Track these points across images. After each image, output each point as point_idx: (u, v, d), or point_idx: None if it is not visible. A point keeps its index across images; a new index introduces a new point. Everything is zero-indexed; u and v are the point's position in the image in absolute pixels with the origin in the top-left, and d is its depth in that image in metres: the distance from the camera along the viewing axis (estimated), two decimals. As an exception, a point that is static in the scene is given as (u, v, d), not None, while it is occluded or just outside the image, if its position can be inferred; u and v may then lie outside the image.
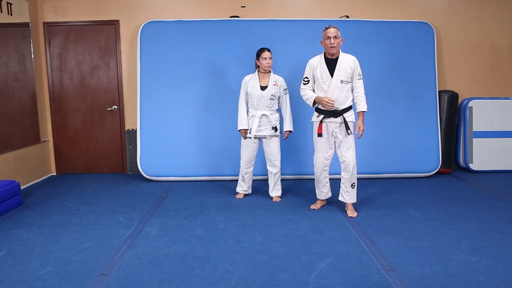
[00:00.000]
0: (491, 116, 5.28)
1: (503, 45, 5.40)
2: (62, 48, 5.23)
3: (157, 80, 4.96)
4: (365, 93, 3.58)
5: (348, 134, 3.54)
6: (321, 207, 3.89)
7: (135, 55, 5.16)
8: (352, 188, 3.65)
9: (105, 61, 5.26)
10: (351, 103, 3.58)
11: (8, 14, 4.49)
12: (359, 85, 3.52)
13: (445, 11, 5.30)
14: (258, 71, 3.96)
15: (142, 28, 4.99)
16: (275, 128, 3.93)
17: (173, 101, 4.97)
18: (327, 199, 3.94)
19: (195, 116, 4.97)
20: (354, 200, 3.69)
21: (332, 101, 3.47)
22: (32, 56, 4.95)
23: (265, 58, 3.83)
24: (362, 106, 3.52)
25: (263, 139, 4.01)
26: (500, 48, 5.40)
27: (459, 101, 5.38)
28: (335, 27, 3.48)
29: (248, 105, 4.03)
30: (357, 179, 3.72)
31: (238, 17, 5.12)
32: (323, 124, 3.59)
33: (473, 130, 5.28)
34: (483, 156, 5.28)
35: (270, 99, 3.89)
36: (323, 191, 3.84)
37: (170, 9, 5.18)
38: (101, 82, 5.30)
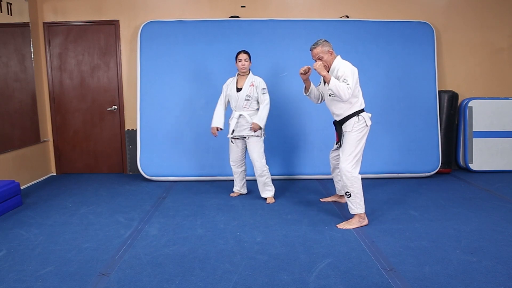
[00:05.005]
0: (491, 116, 5.27)
1: (503, 45, 5.40)
2: (62, 48, 5.23)
3: (157, 80, 4.96)
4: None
5: (339, 146, 3.45)
6: (334, 201, 4.03)
7: (135, 55, 5.16)
8: (347, 196, 3.36)
9: (105, 61, 5.26)
10: (348, 113, 3.36)
11: (8, 14, 4.49)
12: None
13: (445, 11, 5.30)
14: (238, 73, 4.01)
15: (142, 28, 4.99)
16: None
17: (173, 101, 4.97)
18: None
19: (195, 116, 4.97)
20: (352, 211, 3.38)
21: (302, 70, 3.39)
22: (32, 56, 4.95)
23: (241, 60, 3.86)
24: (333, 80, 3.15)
25: (246, 140, 4.00)
26: (500, 48, 5.40)
27: (459, 101, 5.38)
28: (316, 46, 3.30)
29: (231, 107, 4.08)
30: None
31: (238, 17, 5.12)
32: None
33: (473, 130, 5.28)
34: (483, 156, 5.28)
35: (246, 100, 3.90)
36: (336, 187, 3.99)
37: (170, 9, 5.18)
38: (101, 82, 5.30)
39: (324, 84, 3.46)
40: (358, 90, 3.37)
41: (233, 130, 3.99)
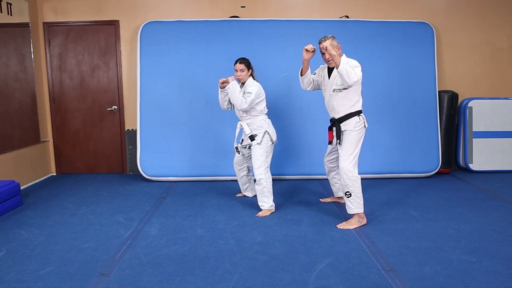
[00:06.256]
0: (491, 116, 5.28)
1: (503, 45, 5.40)
2: (62, 48, 5.23)
3: (157, 80, 4.96)
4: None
5: (337, 144, 3.42)
6: (333, 202, 4.04)
7: (135, 55, 5.16)
8: (347, 196, 3.35)
9: (105, 61, 5.26)
10: (349, 111, 3.37)
11: (8, 14, 4.49)
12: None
13: (445, 11, 5.30)
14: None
15: (142, 28, 4.99)
16: (251, 137, 3.72)
17: (173, 101, 4.97)
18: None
19: (195, 116, 4.97)
20: (351, 211, 3.37)
21: (308, 47, 3.39)
22: (32, 56, 4.95)
23: (236, 70, 3.72)
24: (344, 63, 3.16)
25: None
26: (500, 48, 5.40)
27: (459, 101, 5.38)
28: (326, 39, 3.30)
29: None
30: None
31: (238, 17, 5.12)
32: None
33: (473, 130, 5.28)
34: (483, 156, 5.28)
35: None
36: (333, 189, 3.99)
37: (170, 9, 5.18)
38: (101, 82, 5.30)
39: (329, 77, 3.45)
40: (360, 90, 3.40)
41: (242, 140, 3.89)
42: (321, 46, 3.32)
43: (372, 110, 4.79)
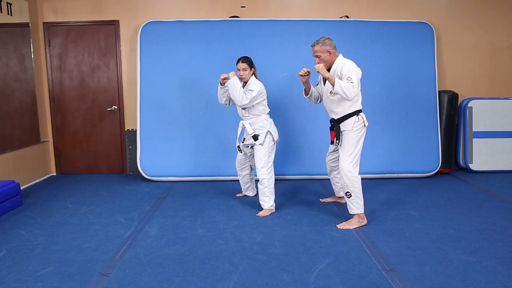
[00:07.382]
0: (491, 116, 5.28)
1: (503, 45, 5.40)
2: (62, 48, 5.23)
3: (157, 80, 4.96)
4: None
5: (336, 144, 3.41)
6: (333, 202, 4.03)
7: (135, 55, 5.16)
8: (348, 197, 3.36)
9: (105, 61, 5.26)
10: (347, 112, 3.35)
11: (8, 14, 4.49)
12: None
13: (445, 11, 5.30)
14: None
15: (142, 28, 4.99)
16: (254, 137, 3.72)
17: (173, 101, 4.97)
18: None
19: (195, 116, 4.97)
20: (352, 211, 3.38)
21: (302, 72, 3.39)
22: (32, 56, 4.95)
23: (239, 70, 3.70)
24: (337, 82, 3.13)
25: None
26: (500, 48, 5.40)
27: (459, 101, 5.38)
28: (316, 44, 3.29)
29: None
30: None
31: (238, 17, 5.12)
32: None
33: (473, 130, 5.28)
34: (483, 156, 5.28)
35: (242, 108, 3.76)
36: (334, 189, 3.98)
37: (170, 9, 5.18)
38: (101, 82, 5.30)
39: (324, 83, 3.46)
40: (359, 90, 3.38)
41: (244, 139, 3.89)
42: (312, 51, 3.33)
43: (372, 110, 4.79)
